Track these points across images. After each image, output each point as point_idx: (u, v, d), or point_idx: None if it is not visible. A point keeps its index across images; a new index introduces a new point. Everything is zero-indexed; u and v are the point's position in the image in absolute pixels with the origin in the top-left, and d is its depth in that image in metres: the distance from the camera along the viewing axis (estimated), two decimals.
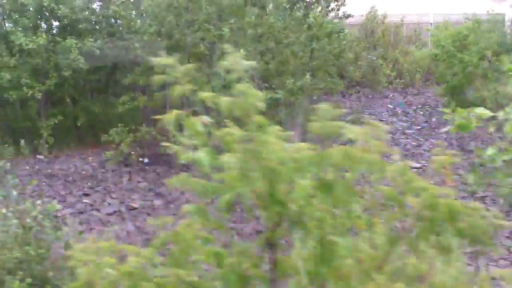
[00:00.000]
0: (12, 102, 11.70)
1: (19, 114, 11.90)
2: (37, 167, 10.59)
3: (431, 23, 26.65)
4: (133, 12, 11.16)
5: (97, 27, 11.92)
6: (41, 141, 11.30)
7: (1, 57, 10.74)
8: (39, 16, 10.97)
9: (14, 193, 5.43)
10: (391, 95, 19.48)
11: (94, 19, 11.79)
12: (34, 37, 10.33)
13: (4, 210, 5.22)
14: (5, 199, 6.16)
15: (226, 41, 10.26)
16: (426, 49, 23.44)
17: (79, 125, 11.62)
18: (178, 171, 10.06)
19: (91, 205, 8.33)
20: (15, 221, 4.98)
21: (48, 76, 10.90)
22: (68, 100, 11.40)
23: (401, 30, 23.72)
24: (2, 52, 10.82)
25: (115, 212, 7.98)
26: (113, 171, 10.23)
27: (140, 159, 10.83)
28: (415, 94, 19.80)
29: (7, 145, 10.88)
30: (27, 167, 10.39)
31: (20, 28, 10.62)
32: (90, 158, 11.41)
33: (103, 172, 10.20)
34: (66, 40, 10.74)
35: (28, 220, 5.12)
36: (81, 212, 8.01)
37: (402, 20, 23.33)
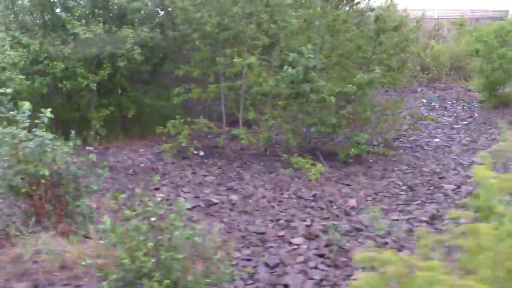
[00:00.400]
0: (60, 93, 11.37)
1: (67, 105, 11.58)
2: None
3: (435, 19, 26.70)
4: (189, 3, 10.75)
5: (148, 16, 11.60)
6: (91, 132, 11.01)
7: (53, 46, 10.40)
8: (94, 5, 10.63)
9: (137, 190, 5.16)
10: (420, 90, 19.32)
11: (146, 9, 11.46)
12: (92, 26, 10.01)
13: (127, 211, 4.96)
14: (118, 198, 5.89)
15: (291, 33, 10.02)
16: (445, 44, 23.41)
17: (130, 116, 11.30)
18: (240, 165, 9.82)
19: (167, 199, 8.05)
20: (144, 221, 4.73)
21: (102, 66, 10.59)
22: (120, 91, 11.06)
23: (421, 25, 23.60)
24: (54, 40, 10.49)
25: (195, 207, 7.72)
26: (172, 164, 9.96)
27: (195, 152, 10.57)
28: (443, 89, 19.66)
29: (57, 136, 10.55)
30: (81, 159, 10.07)
31: (75, 17, 10.29)
32: (141, 150, 11.14)
33: (162, 165, 9.93)
34: (121, 30, 10.44)
35: (152, 219, 4.87)
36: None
37: (423, 15, 23.26)
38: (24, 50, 10.01)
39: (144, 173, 9.40)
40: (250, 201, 8.06)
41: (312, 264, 5.76)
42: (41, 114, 6.22)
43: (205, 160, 10.28)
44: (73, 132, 10.61)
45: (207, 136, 11.66)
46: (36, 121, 6.16)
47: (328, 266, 5.75)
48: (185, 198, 8.14)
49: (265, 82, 9.83)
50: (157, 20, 11.76)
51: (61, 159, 6.17)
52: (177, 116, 10.41)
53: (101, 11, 10.34)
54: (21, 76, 9.76)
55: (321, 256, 5.98)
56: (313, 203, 7.90)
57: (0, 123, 6.30)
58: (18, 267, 5.60)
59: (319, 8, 10.20)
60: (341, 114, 10.13)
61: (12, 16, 10.98)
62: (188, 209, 7.66)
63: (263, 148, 10.76)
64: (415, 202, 7.85)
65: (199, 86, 11.01)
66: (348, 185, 8.81)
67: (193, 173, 9.44)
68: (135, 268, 4.50)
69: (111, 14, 10.85)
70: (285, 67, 9.20)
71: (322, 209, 7.69)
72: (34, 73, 10.27)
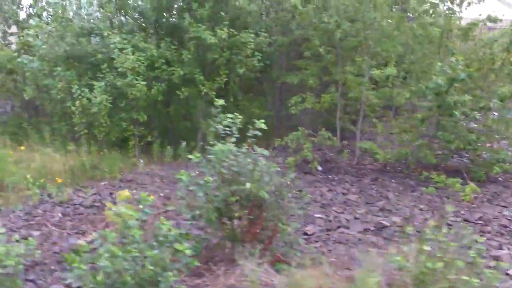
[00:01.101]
0: (163, 101, 10.70)
1: (175, 114, 10.91)
2: None
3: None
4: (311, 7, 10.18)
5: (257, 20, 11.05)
6: (200, 143, 10.41)
7: (169, 50, 9.81)
8: (217, 7, 10.03)
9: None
10: None
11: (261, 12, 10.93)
12: (218, 30, 9.43)
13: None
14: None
15: (430, 42, 9.52)
16: None
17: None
18: (372, 182, 9.20)
19: (329, 221, 7.49)
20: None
21: (218, 73, 10.01)
22: (231, 99, 10.47)
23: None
24: (170, 45, 9.89)
25: (366, 230, 7.15)
26: (300, 179, 9.38)
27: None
28: None
29: (169, 147, 9.98)
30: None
31: (196, 20, 9.71)
32: None
33: (289, 180, 9.32)
34: (241, 34, 9.88)
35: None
36: (329, 230, 7.18)
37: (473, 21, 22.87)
38: (144, 55, 9.39)
39: None
40: (416, 223, 7.50)
41: None
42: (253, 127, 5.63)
43: (329, 176, 9.72)
44: (184, 143, 10.05)
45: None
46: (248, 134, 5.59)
47: None
48: (347, 219, 7.60)
49: (399, 94, 9.31)
50: (265, 23, 11.17)
51: (273, 179, 5.57)
52: (299, 128, 9.88)
53: (225, 15, 9.72)
54: (142, 82, 9.16)
55: None
56: (487, 227, 7.36)
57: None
58: None
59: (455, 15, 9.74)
60: (470, 129, 9.64)
61: (122, 17, 10.37)
62: (359, 232, 7.13)
63: (382, 164, 10.22)
64: None
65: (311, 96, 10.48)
66: (505, 206, 8.28)
67: (329, 190, 8.87)
68: None
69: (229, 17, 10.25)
70: (434, 77, 8.66)
71: (502, 234, 7.15)
72: (151, 79, 9.66)
